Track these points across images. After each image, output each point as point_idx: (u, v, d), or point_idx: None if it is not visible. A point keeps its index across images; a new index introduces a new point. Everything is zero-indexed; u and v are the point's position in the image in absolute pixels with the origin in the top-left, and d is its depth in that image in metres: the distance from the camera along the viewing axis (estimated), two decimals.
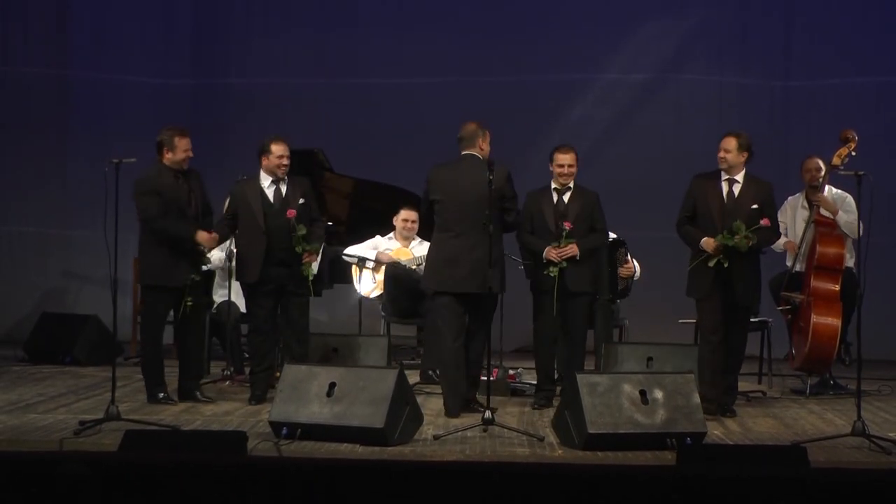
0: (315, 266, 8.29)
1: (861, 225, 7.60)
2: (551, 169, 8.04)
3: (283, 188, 7.98)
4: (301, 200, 7.97)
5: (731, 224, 7.43)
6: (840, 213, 8.43)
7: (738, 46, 11.73)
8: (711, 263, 7.47)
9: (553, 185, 8.03)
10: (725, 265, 7.45)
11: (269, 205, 7.93)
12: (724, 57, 11.73)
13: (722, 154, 7.60)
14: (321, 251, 8.82)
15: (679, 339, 8.96)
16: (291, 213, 7.84)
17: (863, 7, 11.57)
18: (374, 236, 9.46)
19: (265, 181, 7.98)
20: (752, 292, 7.63)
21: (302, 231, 7.84)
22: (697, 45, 11.75)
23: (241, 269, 8.05)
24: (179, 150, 7.80)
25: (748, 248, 7.43)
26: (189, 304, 7.74)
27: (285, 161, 7.97)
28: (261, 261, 7.86)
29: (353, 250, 9.37)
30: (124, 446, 5.46)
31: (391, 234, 9.38)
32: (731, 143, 7.61)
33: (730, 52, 11.74)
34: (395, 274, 9.02)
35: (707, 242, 7.49)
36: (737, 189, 7.60)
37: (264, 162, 7.99)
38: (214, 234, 7.85)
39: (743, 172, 7.63)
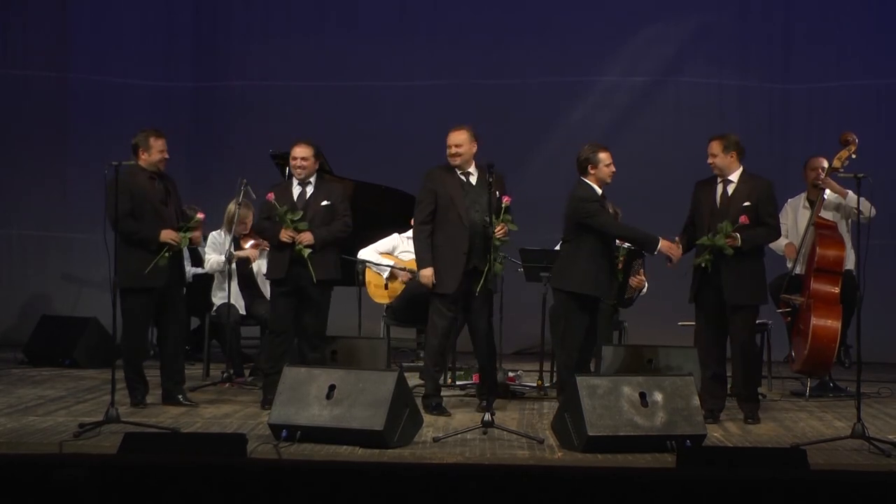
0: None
1: (872, 207, 7.60)
2: (593, 172, 7.76)
3: (309, 190, 7.97)
4: (325, 202, 7.96)
5: (717, 225, 7.43)
6: (849, 193, 8.40)
7: (738, 49, 11.74)
8: (696, 261, 7.49)
9: (601, 191, 7.79)
10: (705, 266, 7.42)
11: (293, 205, 7.93)
12: (724, 59, 11.74)
13: (710, 159, 7.58)
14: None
15: (679, 342, 8.96)
16: (270, 195, 7.87)
17: (862, 9, 11.58)
18: (373, 239, 9.43)
19: (295, 182, 8.00)
20: (745, 291, 7.45)
21: (291, 216, 7.79)
22: (697, 47, 11.76)
23: (268, 266, 8.08)
24: (155, 151, 7.76)
25: (735, 249, 7.36)
26: (166, 255, 7.59)
27: (299, 163, 7.95)
28: (286, 258, 7.84)
29: (369, 253, 9.32)
30: (124, 449, 5.46)
31: (409, 233, 9.28)
32: (714, 146, 7.57)
33: (729, 54, 11.74)
34: (416, 293, 8.82)
35: (665, 246, 7.56)
36: (731, 189, 7.56)
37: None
38: (177, 235, 7.66)
39: (738, 172, 7.57)
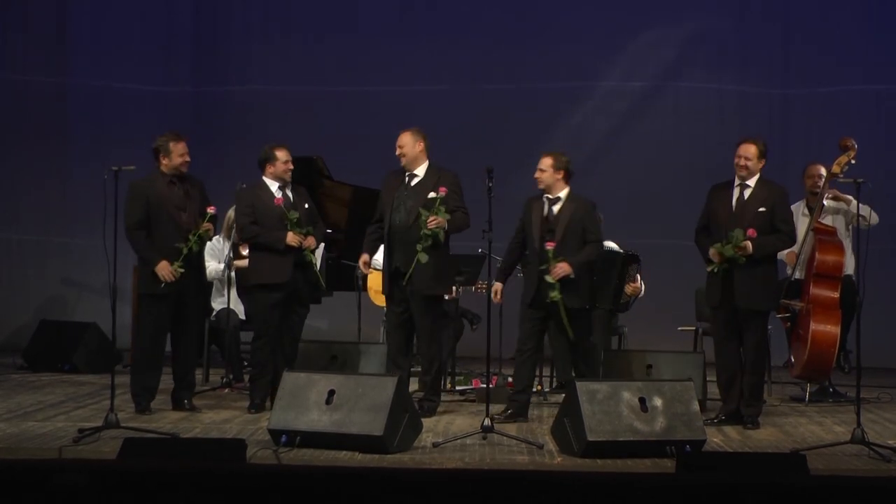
0: (318, 261, 8.32)
1: (873, 213, 7.59)
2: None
3: (290, 193, 8.01)
4: (307, 205, 8.04)
5: (730, 232, 7.42)
6: (853, 201, 8.40)
7: (738, 54, 11.74)
8: (709, 269, 7.50)
9: (549, 194, 7.91)
10: (716, 272, 7.45)
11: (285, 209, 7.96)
12: (724, 64, 11.75)
13: (743, 161, 7.54)
14: (321, 257, 8.83)
15: (678, 347, 8.96)
16: (279, 200, 7.86)
17: (862, 14, 11.59)
18: None
19: (273, 187, 8.00)
20: (757, 297, 7.47)
21: (294, 216, 7.84)
22: (697, 52, 11.77)
23: (262, 270, 7.93)
24: (175, 155, 7.77)
25: (746, 259, 7.37)
26: (180, 268, 7.61)
27: (290, 166, 8.02)
28: (289, 262, 7.85)
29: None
30: (123, 454, 5.46)
31: None
32: (751, 150, 7.55)
33: (729, 59, 11.75)
34: None
35: (713, 254, 7.47)
36: (747, 193, 7.55)
37: (270, 169, 7.98)
38: (170, 272, 7.59)
39: (756, 178, 7.58)
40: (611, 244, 9.07)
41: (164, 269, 7.61)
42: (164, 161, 7.78)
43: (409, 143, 7.87)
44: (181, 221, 7.74)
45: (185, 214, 7.76)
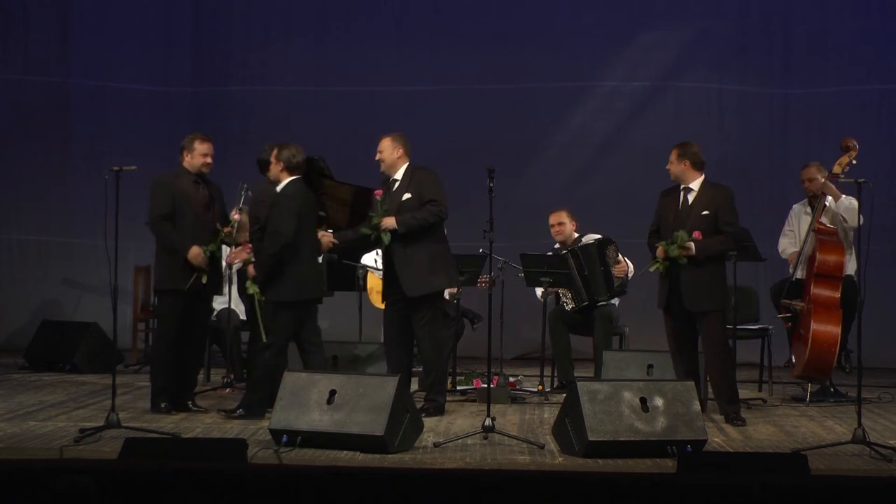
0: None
1: (861, 218, 7.62)
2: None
3: None
4: None
5: (675, 233, 7.56)
6: (843, 197, 8.41)
7: (738, 54, 11.73)
8: (651, 269, 7.70)
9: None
10: (662, 271, 7.64)
11: None
12: (724, 65, 11.73)
13: (667, 166, 7.79)
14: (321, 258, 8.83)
15: None
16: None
17: (863, 15, 11.58)
18: (374, 245, 9.42)
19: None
20: (702, 298, 7.60)
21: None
22: (697, 53, 11.76)
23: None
24: (197, 154, 7.75)
25: (688, 259, 7.50)
26: (203, 278, 7.61)
27: None
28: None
29: (371, 259, 9.37)
30: (124, 454, 5.47)
31: None
32: (672, 154, 7.78)
33: (729, 60, 11.74)
34: None
35: (659, 252, 7.63)
36: (691, 197, 7.72)
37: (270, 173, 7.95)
38: (203, 259, 7.62)
39: (699, 181, 7.73)
40: (586, 238, 9.12)
41: (197, 256, 7.58)
42: (188, 158, 7.77)
43: (387, 149, 7.91)
44: (206, 222, 7.71)
45: (209, 215, 7.75)
